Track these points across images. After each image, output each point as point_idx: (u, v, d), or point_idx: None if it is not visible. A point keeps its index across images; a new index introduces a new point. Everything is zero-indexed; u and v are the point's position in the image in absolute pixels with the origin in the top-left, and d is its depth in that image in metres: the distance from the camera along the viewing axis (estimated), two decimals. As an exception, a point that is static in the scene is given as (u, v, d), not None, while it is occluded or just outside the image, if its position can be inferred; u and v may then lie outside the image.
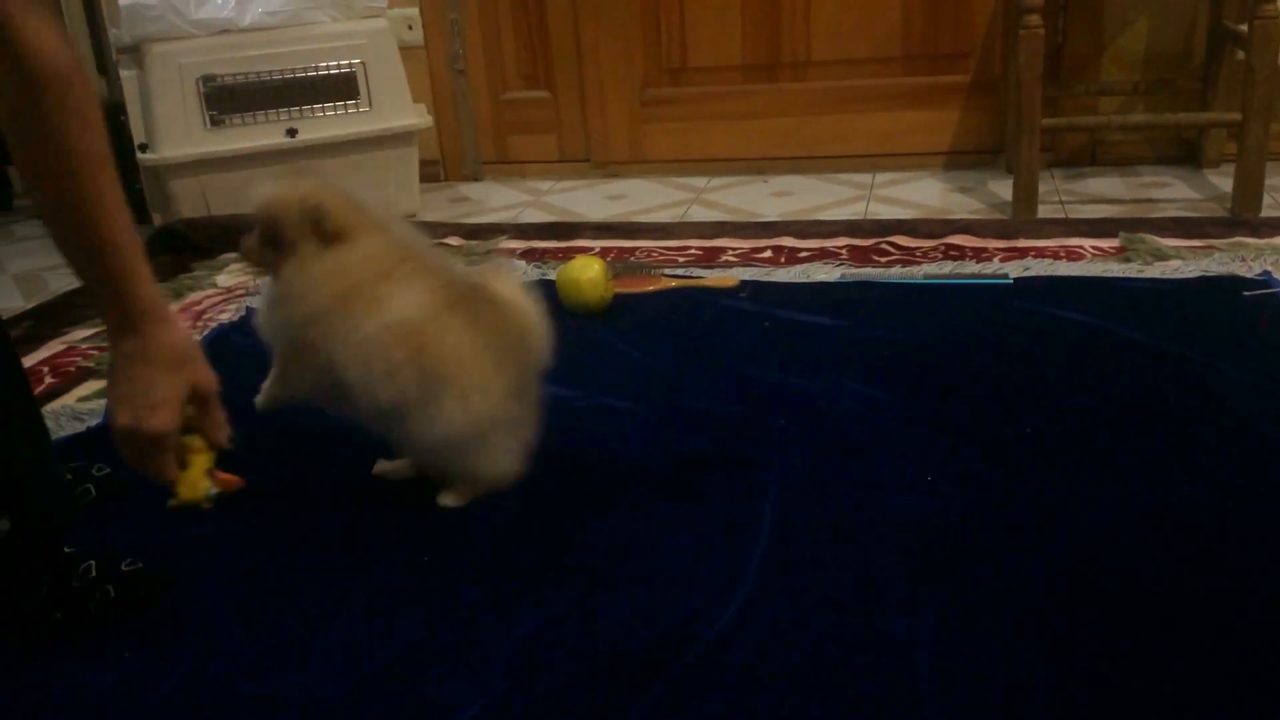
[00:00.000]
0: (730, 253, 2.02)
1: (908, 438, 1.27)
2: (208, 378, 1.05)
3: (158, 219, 2.40)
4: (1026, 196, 2.14)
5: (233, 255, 2.19)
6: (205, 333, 1.77)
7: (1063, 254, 1.87)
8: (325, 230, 1.09)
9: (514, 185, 2.79)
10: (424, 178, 2.64)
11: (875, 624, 0.94)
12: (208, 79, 2.29)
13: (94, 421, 1.44)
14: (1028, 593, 0.98)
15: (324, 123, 2.40)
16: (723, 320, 1.67)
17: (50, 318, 1.89)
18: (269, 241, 1.11)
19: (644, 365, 1.52)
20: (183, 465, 1.07)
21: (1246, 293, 1.63)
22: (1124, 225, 2.00)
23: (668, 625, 0.95)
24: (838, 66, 2.62)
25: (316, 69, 2.37)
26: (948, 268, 1.83)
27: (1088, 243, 1.92)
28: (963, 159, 2.63)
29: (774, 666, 0.89)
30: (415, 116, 2.49)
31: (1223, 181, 2.30)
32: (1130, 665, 0.87)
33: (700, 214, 2.40)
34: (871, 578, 1.01)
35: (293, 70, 2.35)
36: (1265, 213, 2.08)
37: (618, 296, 1.75)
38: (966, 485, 1.16)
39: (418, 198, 2.56)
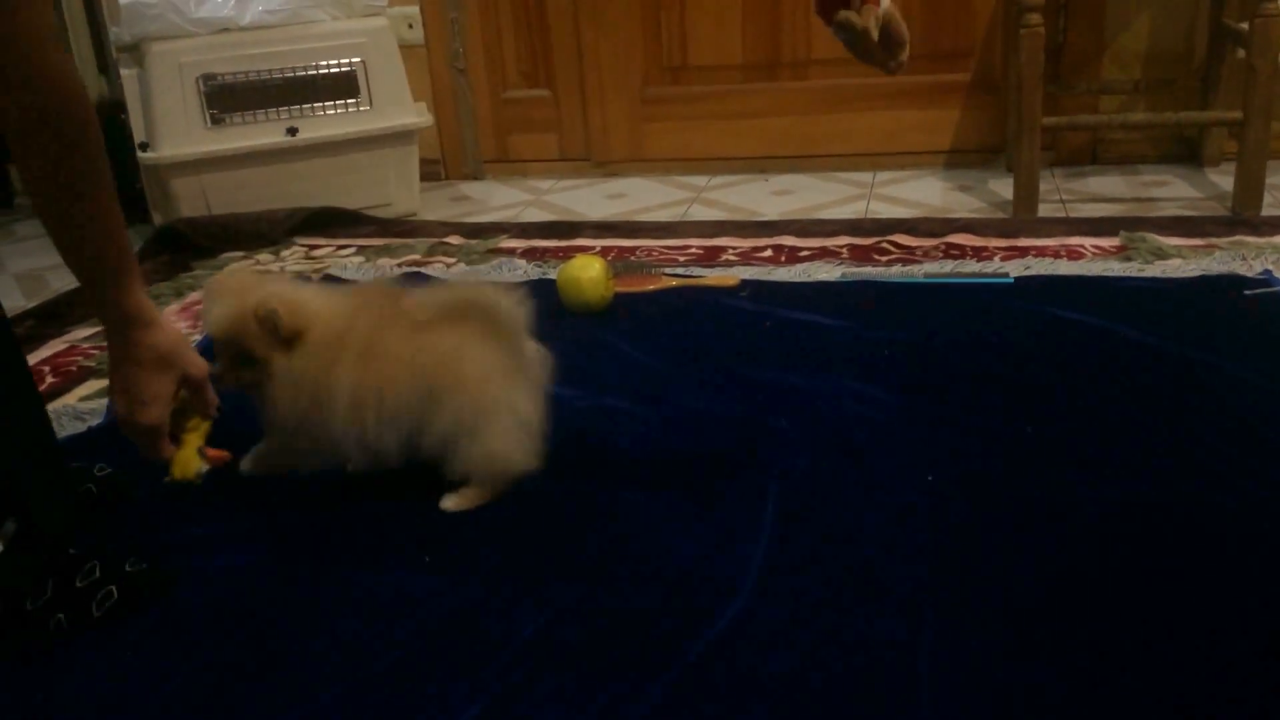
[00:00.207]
0: (731, 252, 2.02)
1: (908, 438, 1.27)
2: (197, 366, 1.14)
3: (158, 218, 2.40)
4: (1027, 195, 2.14)
5: (232, 255, 2.19)
6: (205, 332, 1.76)
7: (1063, 253, 1.87)
8: (283, 335, 1.11)
9: (514, 184, 2.80)
10: (424, 176, 2.64)
11: (875, 624, 0.94)
12: (208, 78, 2.29)
13: (95, 421, 1.44)
14: (1028, 593, 0.98)
15: (324, 121, 2.40)
16: (723, 320, 1.67)
17: (51, 317, 1.89)
18: (240, 362, 1.14)
19: (644, 365, 1.52)
20: (178, 444, 1.15)
21: (1247, 291, 1.63)
22: (1125, 224, 2.00)
23: (668, 626, 0.95)
24: (838, 65, 2.60)
25: (317, 68, 2.37)
26: (948, 267, 1.83)
27: (1088, 242, 1.92)
28: (963, 158, 2.63)
29: (774, 667, 0.89)
30: (415, 115, 2.49)
31: (1223, 180, 2.30)
32: (1131, 665, 0.87)
33: (701, 213, 2.40)
34: (871, 578, 1.01)
35: (293, 69, 2.36)
36: (1266, 211, 2.08)
37: (618, 296, 1.74)
38: (966, 485, 1.16)
39: (418, 197, 2.56)
